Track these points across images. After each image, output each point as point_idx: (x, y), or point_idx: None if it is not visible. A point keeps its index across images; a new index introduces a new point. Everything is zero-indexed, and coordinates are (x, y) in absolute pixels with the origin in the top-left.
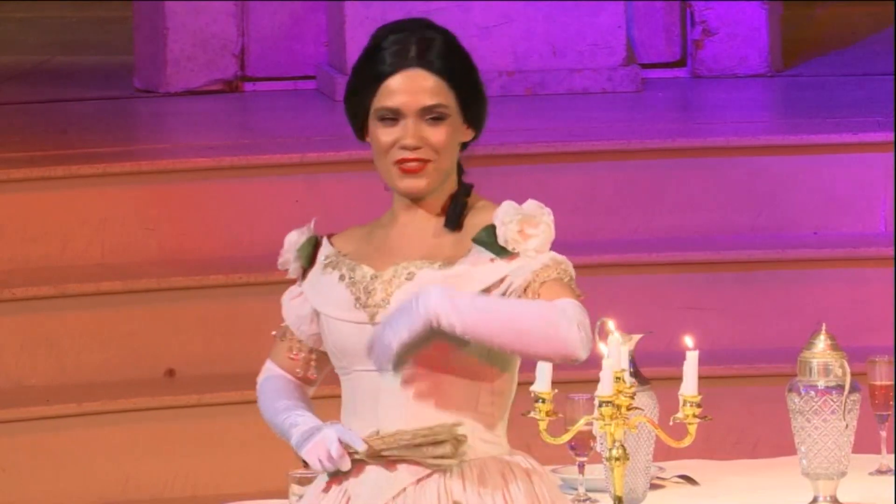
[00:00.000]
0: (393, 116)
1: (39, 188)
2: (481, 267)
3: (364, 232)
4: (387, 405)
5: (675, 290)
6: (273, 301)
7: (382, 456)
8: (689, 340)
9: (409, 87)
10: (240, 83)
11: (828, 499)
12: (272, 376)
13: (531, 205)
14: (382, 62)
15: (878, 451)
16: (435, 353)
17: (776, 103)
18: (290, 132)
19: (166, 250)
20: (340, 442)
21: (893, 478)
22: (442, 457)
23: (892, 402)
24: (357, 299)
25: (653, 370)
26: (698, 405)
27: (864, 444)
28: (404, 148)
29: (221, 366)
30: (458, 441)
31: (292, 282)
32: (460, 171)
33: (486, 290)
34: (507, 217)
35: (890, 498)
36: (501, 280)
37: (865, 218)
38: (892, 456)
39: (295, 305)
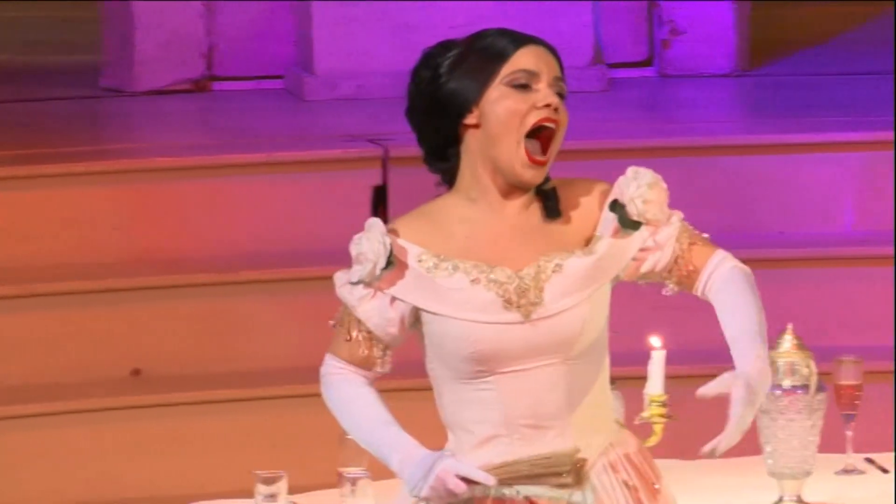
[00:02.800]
0: (526, 83)
1: (5, 188)
2: (622, 238)
3: (431, 227)
4: (547, 401)
5: (640, 290)
6: (239, 300)
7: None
8: (655, 340)
9: (542, 56)
10: (208, 83)
11: (793, 498)
12: (349, 378)
13: (641, 172)
14: (505, 39)
15: (844, 451)
16: (591, 339)
17: (743, 103)
18: (258, 132)
19: (133, 250)
20: (458, 476)
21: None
22: (564, 486)
23: (857, 402)
24: (507, 301)
25: (619, 370)
26: (664, 404)
27: (829, 443)
28: (546, 107)
29: (188, 365)
30: (579, 468)
31: (261, 282)
32: None
33: (636, 261)
34: (633, 192)
35: (855, 498)
36: (642, 249)
37: (831, 218)
38: (859, 455)
39: (377, 307)
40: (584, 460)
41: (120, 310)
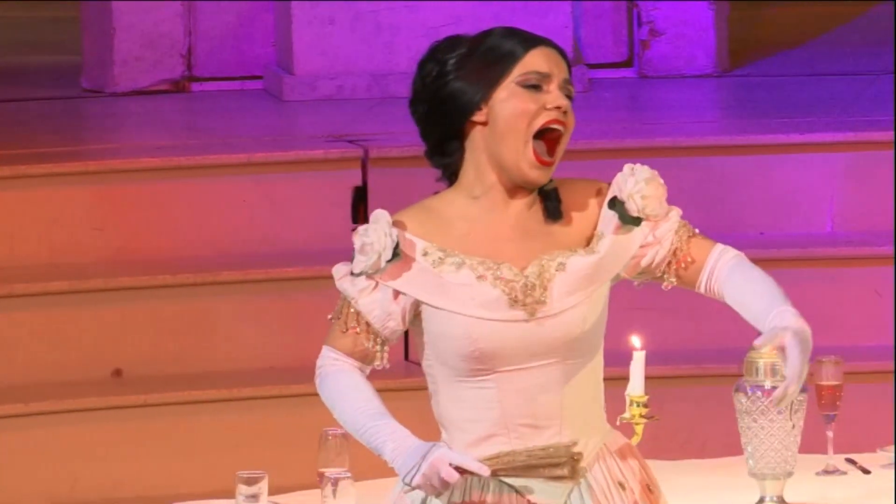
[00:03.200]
0: (537, 84)
1: None
2: (622, 235)
3: (435, 222)
4: (544, 401)
5: (621, 290)
6: (219, 301)
7: (498, 478)
8: (635, 341)
9: (553, 58)
10: (187, 83)
11: (774, 499)
12: (346, 370)
13: (638, 169)
14: (513, 40)
15: (825, 452)
16: (590, 338)
17: (723, 103)
18: (238, 132)
19: (114, 250)
20: (451, 465)
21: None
22: (560, 478)
23: (838, 403)
24: (513, 299)
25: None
26: (645, 405)
27: (810, 444)
28: (555, 108)
29: (169, 366)
30: (575, 461)
31: (241, 283)
32: None
33: (635, 258)
34: (631, 188)
35: (836, 498)
36: (643, 245)
37: (812, 218)
38: (840, 456)
39: (379, 300)
40: (580, 453)
41: (101, 310)
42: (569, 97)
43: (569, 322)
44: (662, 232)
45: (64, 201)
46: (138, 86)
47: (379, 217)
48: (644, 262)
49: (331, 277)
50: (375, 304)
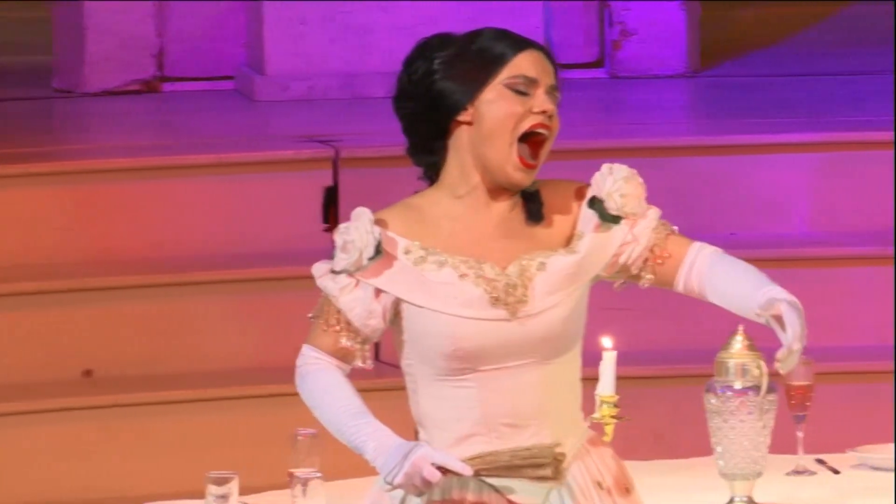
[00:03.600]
0: (524, 90)
1: None
2: (602, 234)
3: (417, 220)
4: (524, 402)
5: (592, 290)
6: (190, 301)
7: (480, 477)
8: (606, 341)
9: (541, 63)
10: (158, 83)
11: (744, 499)
12: (326, 369)
13: (616, 168)
14: (503, 42)
15: (795, 452)
16: (570, 337)
17: (695, 104)
18: (209, 132)
19: (85, 250)
20: (434, 464)
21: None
22: (543, 478)
23: (808, 403)
24: (495, 298)
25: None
26: (615, 405)
27: (781, 444)
28: (541, 112)
29: (140, 366)
30: (558, 461)
31: (212, 283)
32: None
33: (615, 256)
34: (610, 187)
35: (805, 499)
36: (622, 244)
37: (783, 219)
38: (810, 456)
39: (360, 298)
40: (563, 454)
41: (71, 310)
42: (555, 102)
43: (549, 321)
44: (640, 229)
45: (35, 201)
46: (110, 86)
47: (361, 214)
48: (622, 260)
49: (301, 277)
50: (356, 302)
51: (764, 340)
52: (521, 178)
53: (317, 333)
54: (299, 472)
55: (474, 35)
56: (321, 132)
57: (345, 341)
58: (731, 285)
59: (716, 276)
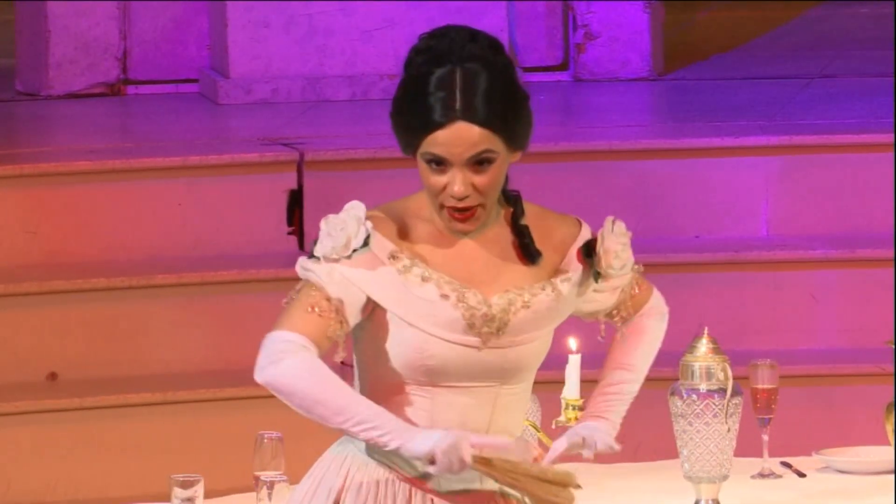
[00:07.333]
0: (437, 167)
1: None
2: (584, 280)
3: (404, 227)
4: (474, 417)
5: None
6: (154, 304)
7: (490, 472)
8: (571, 344)
9: (456, 140)
10: (122, 86)
11: (710, 502)
12: (311, 349)
13: (618, 226)
14: (430, 111)
15: (760, 455)
16: (534, 367)
17: (658, 107)
18: (173, 135)
19: (48, 253)
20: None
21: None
22: (555, 502)
23: (773, 406)
24: (471, 325)
25: (536, 374)
26: (580, 408)
27: (746, 447)
28: (453, 196)
29: (103, 369)
30: (575, 489)
31: (176, 286)
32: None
33: (586, 303)
34: (609, 245)
35: (770, 501)
36: (596, 291)
37: (747, 222)
38: (775, 459)
39: (347, 291)
40: (579, 486)
41: (35, 314)
42: (486, 161)
43: (518, 355)
44: (615, 284)
45: None
46: (73, 89)
47: (354, 206)
48: (590, 308)
49: (266, 280)
50: (341, 290)
51: (729, 343)
52: (460, 228)
53: (293, 319)
54: (264, 474)
55: (412, 81)
56: (284, 135)
57: (329, 327)
58: (608, 369)
59: (615, 350)
